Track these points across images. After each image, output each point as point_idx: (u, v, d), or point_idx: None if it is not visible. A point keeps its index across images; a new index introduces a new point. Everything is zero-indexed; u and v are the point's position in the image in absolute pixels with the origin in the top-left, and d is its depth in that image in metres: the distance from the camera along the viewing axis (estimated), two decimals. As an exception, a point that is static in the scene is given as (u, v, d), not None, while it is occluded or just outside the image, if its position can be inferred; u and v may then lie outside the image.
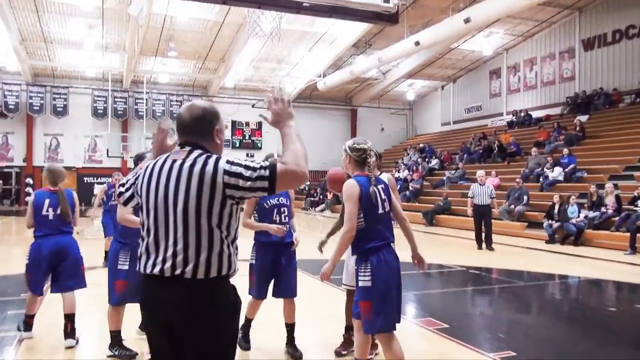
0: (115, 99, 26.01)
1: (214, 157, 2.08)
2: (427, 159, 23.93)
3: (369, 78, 27.71)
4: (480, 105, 27.13)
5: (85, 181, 26.18)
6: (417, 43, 19.03)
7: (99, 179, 26.16)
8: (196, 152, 2.09)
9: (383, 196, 3.41)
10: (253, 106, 28.06)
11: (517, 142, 20.28)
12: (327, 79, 25.30)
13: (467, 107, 28.05)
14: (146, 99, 25.98)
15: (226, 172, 2.02)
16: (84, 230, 15.66)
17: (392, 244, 3.38)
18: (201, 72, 25.99)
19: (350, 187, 3.31)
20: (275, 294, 4.18)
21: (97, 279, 6.91)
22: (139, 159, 4.20)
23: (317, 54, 23.97)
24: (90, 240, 13.24)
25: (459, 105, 28.66)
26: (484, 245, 11.48)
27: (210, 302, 1.97)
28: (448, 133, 28.53)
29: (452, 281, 8.29)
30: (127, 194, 2.33)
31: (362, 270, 3.26)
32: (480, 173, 11.63)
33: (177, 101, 26.97)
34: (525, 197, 14.78)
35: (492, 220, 11.59)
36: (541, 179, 16.15)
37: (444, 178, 20.68)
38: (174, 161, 2.08)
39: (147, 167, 2.16)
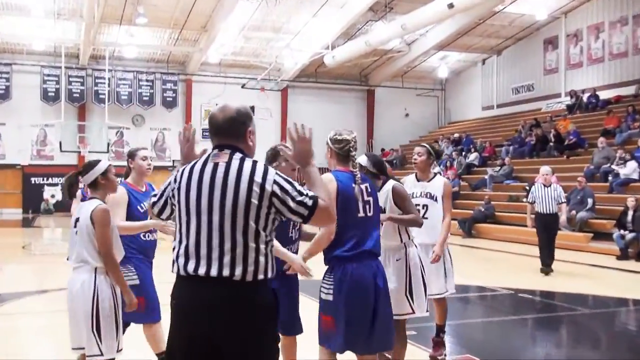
0: (70, 79, 26.17)
1: (261, 163, 2.58)
2: (463, 153, 23.89)
3: (390, 50, 27.70)
4: (531, 85, 27.06)
5: (33, 182, 26.38)
6: (450, 5, 18.96)
7: (50, 179, 26.32)
8: (238, 155, 2.58)
9: (366, 197, 3.58)
10: (243, 87, 28.14)
11: (578, 130, 20.20)
12: (337, 52, 25.31)
13: (515, 86, 27.99)
14: (109, 79, 26.11)
15: (276, 183, 2.50)
16: (31, 244, 15.78)
17: (374, 256, 3.53)
18: (178, 45, 26.08)
19: (326, 182, 3.38)
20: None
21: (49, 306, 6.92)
22: (131, 156, 4.59)
23: (323, 20, 23.97)
24: (38, 257, 13.32)
25: (504, 84, 28.63)
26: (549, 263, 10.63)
27: (255, 304, 2.42)
28: (491, 120, 28.49)
29: (496, 308, 8.27)
30: (161, 202, 2.73)
31: (325, 281, 3.55)
32: (545, 170, 10.66)
33: (147, 81, 27.10)
34: (589, 201, 14.69)
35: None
36: (610, 178, 16.08)
37: (486, 177, 20.64)
38: (217, 164, 2.54)
39: (184, 170, 2.60)
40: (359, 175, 3.60)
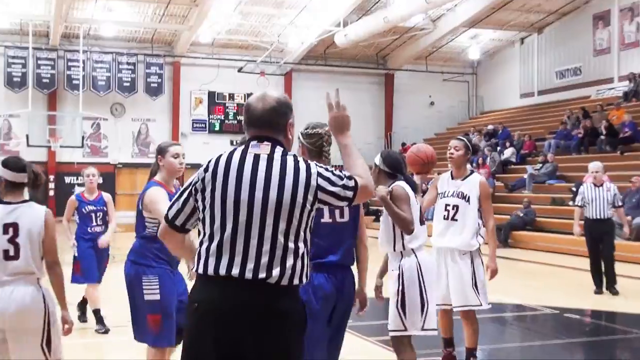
0: (39, 62, 26.30)
1: (302, 158, 2.75)
2: (498, 148, 23.81)
3: (412, 28, 27.67)
4: (579, 68, 26.96)
5: (-4, 182, 26.52)
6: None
7: (15, 178, 26.46)
8: (279, 148, 2.74)
9: None
10: (240, 71, 28.19)
11: (635, 121, 20.11)
12: (350, 30, 25.29)
13: (559, 69, 27.89)
14: (83, 62, 26.23)
15: (320, 175, 2.70)
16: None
17: (343, 268, 3.77)
18: (164, 22, 26.16)
19: None
20: None
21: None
22: (161, 152, 4.77)
23: (334, -8, 24.07)
24: None
25: (546, 67, 28.53)
26: (604, 284, 10.36)
27: (287, 311, 2.60)
28: (530, 109, 28.40)
29: (537, 330, 8.25)
30: (180, 202, 2.81)
31: None
32: (595, 166, 10.30)
33: (128, 64, 27.20)
34: (647, 205, 14.59)
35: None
36: (672, 177, 15.93)
37: (525, 176, 20.58)
38: (258, 155, 2.68)
39: (219, 159, 2.72)
40: None
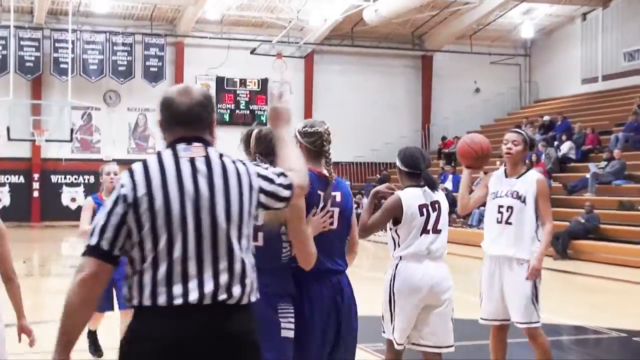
0: (21, 43, 26.59)
1: (236, 158, 2.80)
2: (556, 143, 23.65)
3: (454, 2, 27.60)
4: (651, 48, 26.73)
5: (-28, 181, 26.97)
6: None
7: (-5, 177, 26.74)
8: (212, 149, 2.78)
9: (329, 207, 3.97)
10: (253, 52, 28.29)
11: None
12: (381, 5, 25.26)
13: (627, 50, 27.65)
14: (73, 42, 26.47)
15: (259, 175, 2.76)
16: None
17: (337, 273, 4.02)
18: (165, -5, 26.36)
19: None
20: None
21: None
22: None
23: (363, -40, 24.08)
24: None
25: (613, 47, 28.30)
26: None
27: (250, 332, 2.69)
28: (594, 97, 28.20)
29: (600, 356, 8.20)
30: (110, 229, 2.66)
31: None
32: None
33: (124, 45, 27.41)
34: None
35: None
36: None
37: (587, 175, 20.43)
38: (193, 159, 2.69)
39: (148, 172, 2.67)
40: (333, 178, 3.97)
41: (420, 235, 4.94)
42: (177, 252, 2.57)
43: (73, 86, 25.49)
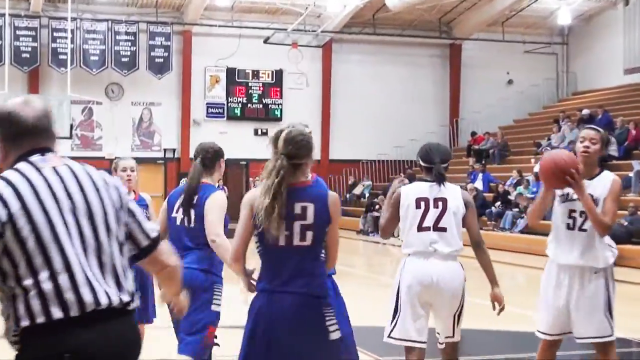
0: (17, 32, 26.72)
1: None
2: (596, 139, 23.51)
3: (485, -15, 27.51)
4: (701, 35, 26.50)
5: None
6: None
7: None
8: (68, 159, 2.89)
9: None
10: (266, 41, 28.31)
11: None
12: (405, -11, 25.21)
13: (675, 37, 27.42)
14: (72, 31, 26.57)
15: (127, 195, 3.02)
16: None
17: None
18: (171, -20, 26.43)
19: (247, 195, 4.24)
20: None
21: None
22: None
23: (385, -59, 24.04)
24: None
25: (659, 34, 28.06)
26: None
27: (140, 338, 2.94)
28: (637, 88, 28.00)
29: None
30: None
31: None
32: None
33: (127, 34, 27.48)
34: None
35: None
36: None
37: (630, 174, 20.34)
38: (55, 167, 2.81)
39: (17, 189, 2.70)
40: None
41: (419, 230, 5.24)
42: (61, 263, 2.68)
43: (72, 79, 25.58)
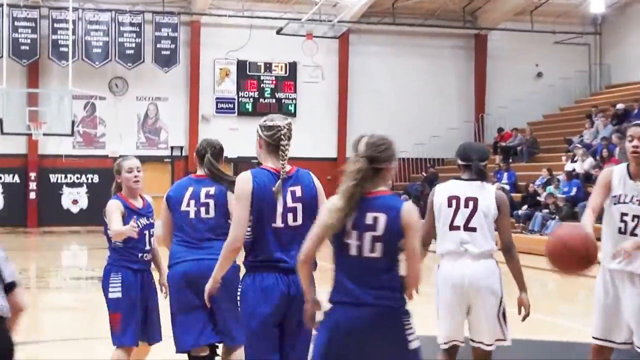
0: (16, 23, 26.82)
1: None
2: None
3: (513, -28, 27.43)
4: None
5: (-39, 181, 27.25)
6: None
7: (-14, 176, 27.01)
8: None
9: (291, 204, 4.66)
10: (279, 32, 28.30)
11: None
12: (427, -24, 25.15)
13: None
14: (74, 22, 26.63)
15: None
16: None
17: (292, 270, 4.56)
18: (178, -32, 26.46)
19: (240, 184, 4.66)
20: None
21: None
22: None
23: None
24: None
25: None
26: None
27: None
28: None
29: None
30: None
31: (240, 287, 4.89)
32: None
33: (132, 25, 27.55)
34: None
35: None
36: None
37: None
38: None
39: None
40: (284, 173, 4.65)
41: (450, 229, 5.42)
42: None
43: (74, 72, 25.50)
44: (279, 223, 4.64)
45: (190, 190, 5.87)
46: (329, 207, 4.10)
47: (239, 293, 4.82)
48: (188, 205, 5.80)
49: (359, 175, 4.06)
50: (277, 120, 4.75)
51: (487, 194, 5.37)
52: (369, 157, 4.15)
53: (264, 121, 4.80)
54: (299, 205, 4.67)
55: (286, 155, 4.66)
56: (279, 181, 4.61)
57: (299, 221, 4.67)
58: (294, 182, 4.69)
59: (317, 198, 4.77)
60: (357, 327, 4.02)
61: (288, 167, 4.69)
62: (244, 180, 4.64)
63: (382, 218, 4.07)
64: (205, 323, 5.74)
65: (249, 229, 4.63)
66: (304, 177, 4.79)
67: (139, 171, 6.36)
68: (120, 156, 7.03)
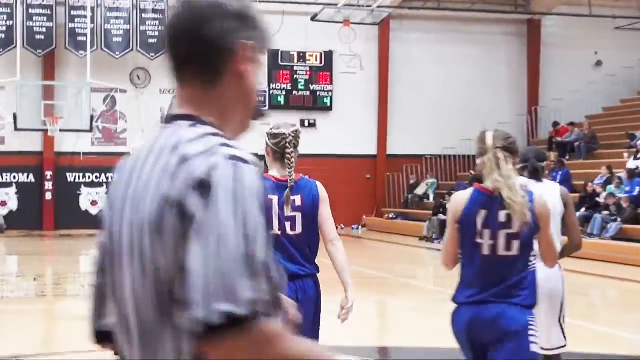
0: (31, 11, 27.03)
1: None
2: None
3: (569, -49, 27.26)
4: None
5: (-28, 181, 27.56)
6: None
7: (4, 177, 27.24)
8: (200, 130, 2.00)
9: (290, 212, 4.95)
10: (314, 19, 28.33)
11: None
12: (475, -44, 25.07)
13: None
14: (92, 9, 26.76)
15: None
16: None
17: (301, 277, 4.94)
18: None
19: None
20: None
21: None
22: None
23: None
24: None
25: None
26: None
27: None
28: None
29: None
30: None
31: None
32: None
33: (155, 12, 27.73)
34: None
35: None
36: None
37: None
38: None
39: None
40: (292, 181, 4.93)
41: None
42: None
43: (93, 63, 25.58)
44: (277, 229, 4.95)
45: None
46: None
47: None
48: None
49: (500, 164, 4.34)
50: (283, 128, 5.04)
51: (552, 191, 5.56)
52: (503, 148, 4.39)
53: (271, 129, 5.11)
54: (298, 215, 4.99)
55: (292, 163, 4.95)
56: (287, 190, 4.91)
57: (298, 230, 5.00)
58: (294, 192, 4.98)
59: (317, 208, 5.06)
60: (488, 325, 4.26)
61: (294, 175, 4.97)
62: None
63: None
64: None
65: None
66: (306, 187, 5.08)
67: None
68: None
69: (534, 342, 4.43)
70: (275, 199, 5.00)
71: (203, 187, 1.74)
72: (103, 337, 2.10)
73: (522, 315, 4.36)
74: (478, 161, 4.66)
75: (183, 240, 1.74)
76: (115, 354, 2.04)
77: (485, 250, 4.26)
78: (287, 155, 4.95)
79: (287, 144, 4.96)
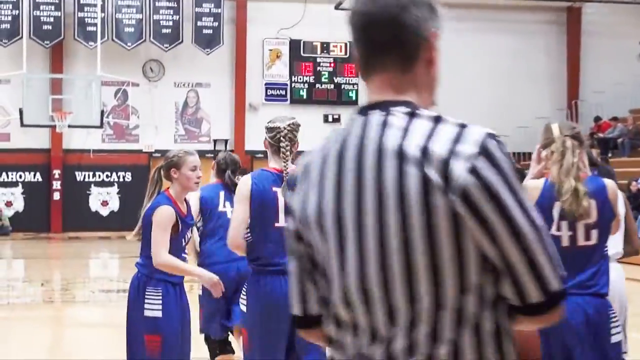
0: (37, 0, 27.08)
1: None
2: None
3: None
4: None
5: (-24, 180, 27.70)
6: None
7: (5, 175, 27.39)
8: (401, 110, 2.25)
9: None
10: (338, 7, 28.29)
11: None
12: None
13: None
14: (103, -2, 26.86)
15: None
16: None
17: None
18: None
19: (239, 186, 5.48)
20: None
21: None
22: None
23: None
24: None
25: None
26: None
27: None
28: None
29: None
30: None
31: (242, 291, 5.65)
32: None
33: (169, 0, 27.66)
34: None
35: None
36: None
37: None
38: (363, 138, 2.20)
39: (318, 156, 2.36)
40: (287, 174, 5.16)
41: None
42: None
43: (103, 55, 25.66)
44: (281, 222, 5.11)
45: (222, 193, 7.19)
46: (557, 189, 4.40)
47: (243, 294, 5.55)
48: (224, 205, 7.04)
49: (574, 152, 4.47)
50: (278, 121, 5.42)
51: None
52: (572, 136, 4.54)
53: (268, 122, 5.50)
54: None
55: (287, 156, 5.27)
56: (284, 183, 5.16)
57: None
58: (292, 184, 5.17)
59: None
60: (569, 318, 4.28)
61: (292, 167, 5.16)
62: (243, 182, 5.49)
63: (592, 204, 4.41)
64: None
65: (247, 230, 5.34)
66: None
67: (199, 169, 6.02)
68: (184, 152, 6.09)
69: (616, 333, 4.56)
70: (279, 191, 5.28)
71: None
72: (309, 322, 2.25)
73: (602, 305, 4.48)
74: (544, 153, 4.73)
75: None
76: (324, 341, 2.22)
77: (565, 242, 4.39)
78: (282, 148, 5.26)
79: (282, 137, 5.28)
